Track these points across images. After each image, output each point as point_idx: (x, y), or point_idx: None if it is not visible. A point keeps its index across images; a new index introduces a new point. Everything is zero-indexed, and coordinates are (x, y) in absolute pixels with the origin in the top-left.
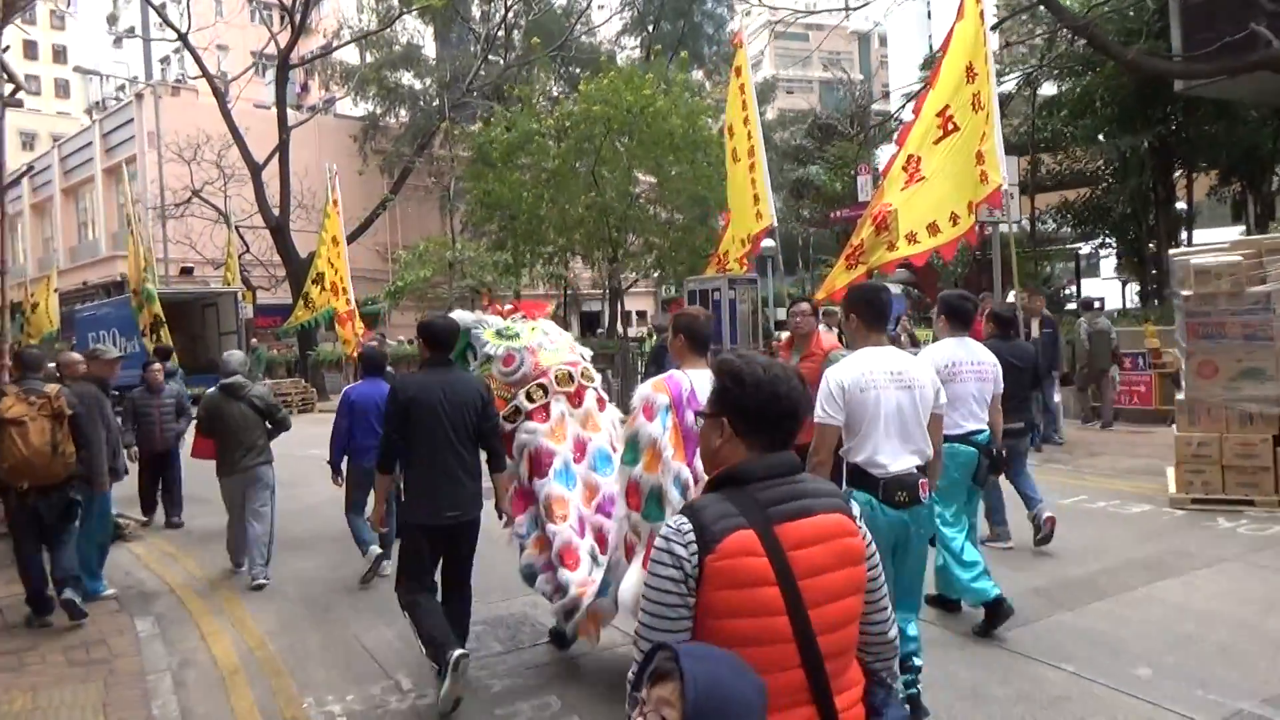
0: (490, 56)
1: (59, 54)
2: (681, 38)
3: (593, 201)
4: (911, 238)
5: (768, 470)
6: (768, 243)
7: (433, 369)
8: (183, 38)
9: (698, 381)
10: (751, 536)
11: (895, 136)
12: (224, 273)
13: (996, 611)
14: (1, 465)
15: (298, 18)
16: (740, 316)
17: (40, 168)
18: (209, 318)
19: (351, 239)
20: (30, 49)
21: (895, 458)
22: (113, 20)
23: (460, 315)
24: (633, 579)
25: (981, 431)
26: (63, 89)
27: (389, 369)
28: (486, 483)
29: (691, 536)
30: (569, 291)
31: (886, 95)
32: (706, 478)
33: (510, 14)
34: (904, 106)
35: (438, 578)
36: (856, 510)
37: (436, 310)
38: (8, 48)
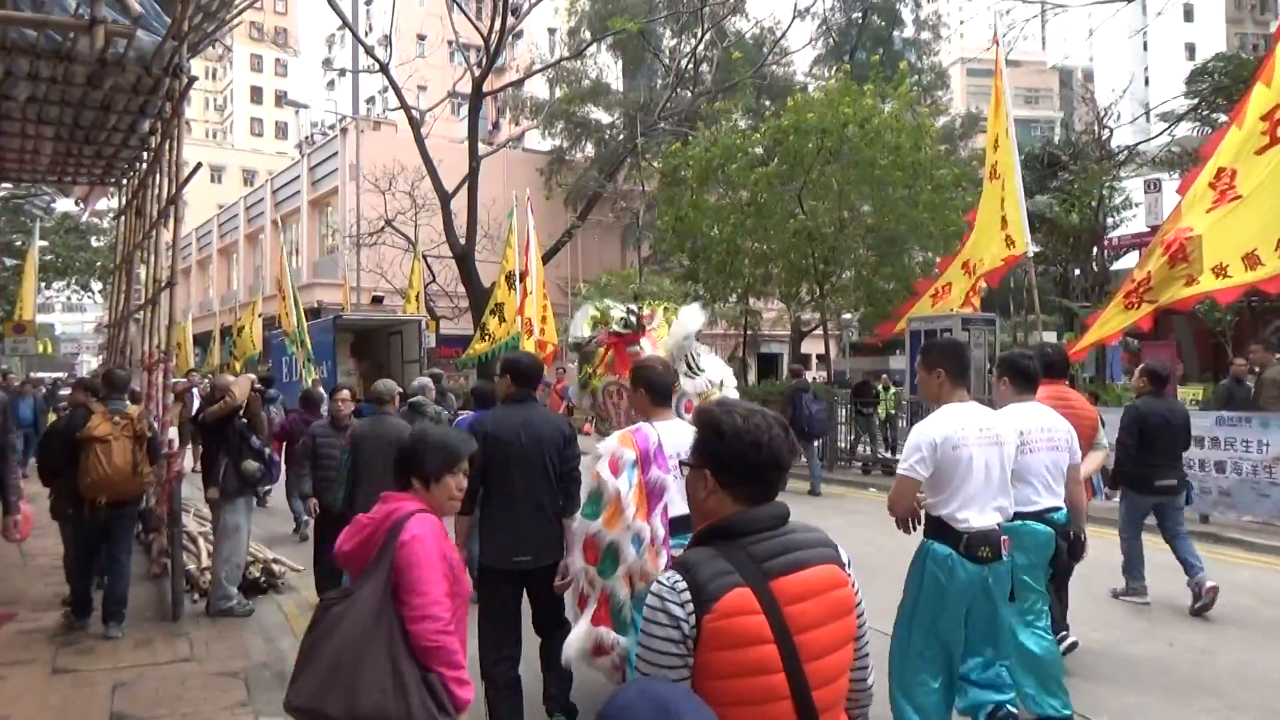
0: (679, 90)
1: (280, 98)
2: (881, 66)
3: (801, 227)
4: (1221, 270)
5: (759, 523)
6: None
7: (513, 405)
8: (384, 67)
9: (665, 433)
10: (748, 594)
11: (1198, 149)
12: (404, 304)
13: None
14: (83, 480)
15: (493, 44)
16: (975, 362)
17: (254, 200)
18: (393, 345)
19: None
20: (256, 94)
21: (980, 514)
22: (327, 64)
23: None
24: (579, 631)
25: (1059, 509)
26: (281, 130)
27: None
28: None
29: (688, 595)
30: (749, 331)
31: (1095, 134)
32: (690, 530)
33: (701, 46)
34: (1169, 128)
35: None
36: (846, 557)
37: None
38: (194, 79)
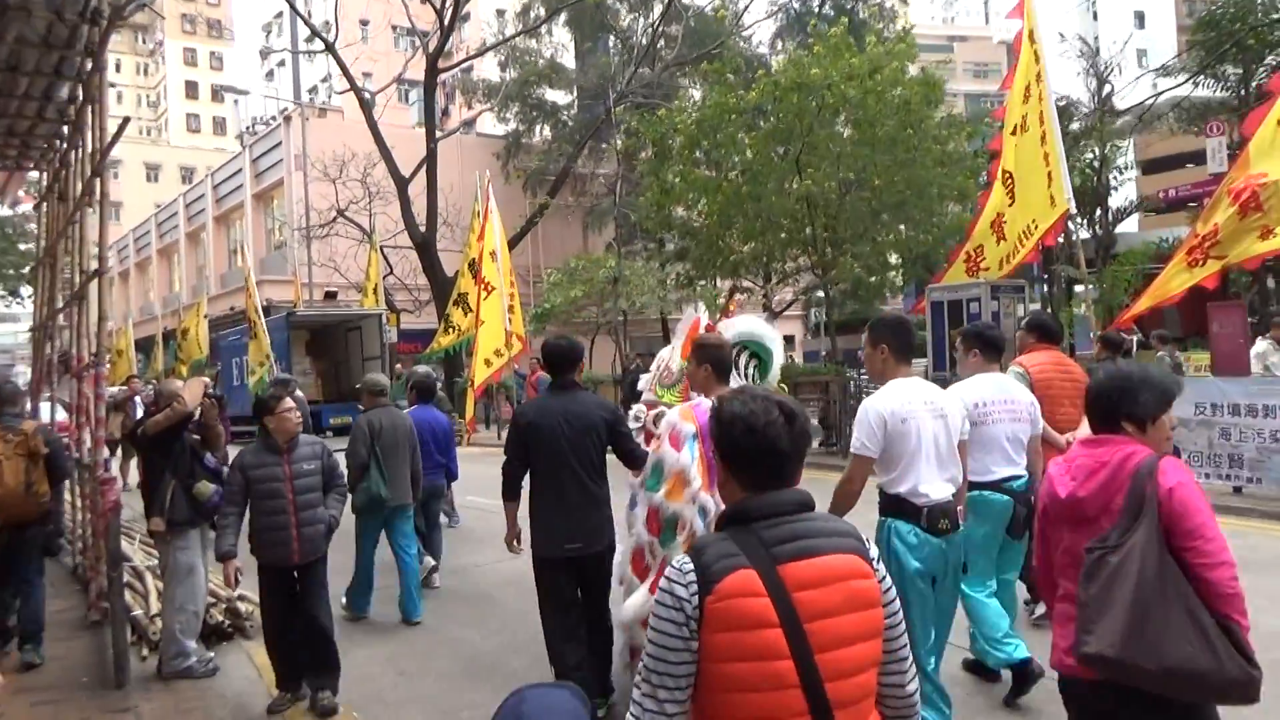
0: (640, 67)
1: (217, 94)
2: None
3: (806, 192)
4: None
5: (772, 508)
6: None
7: (554, 392)
8: (330, 47)
9: None
10: (752, 576)
11: (1266, 83)
12: (361, 298)
13: (1024, 675)
14: None
15: (447, 17)
16: (1004, 329)
17: (194, 197)
18: (352, 342)
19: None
20: (191, 89)
21: (935, 486)
22: (265, 54)
23: (760, 328)
24: (638, 599)
25: (1018, 477)
26: (220, 126)
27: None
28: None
29: (693, 577)
30: (718, 315)
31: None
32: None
33: (659, 22)
34: (1191, 78)
35: None
36: (874, 552)
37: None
38: (120, 20)
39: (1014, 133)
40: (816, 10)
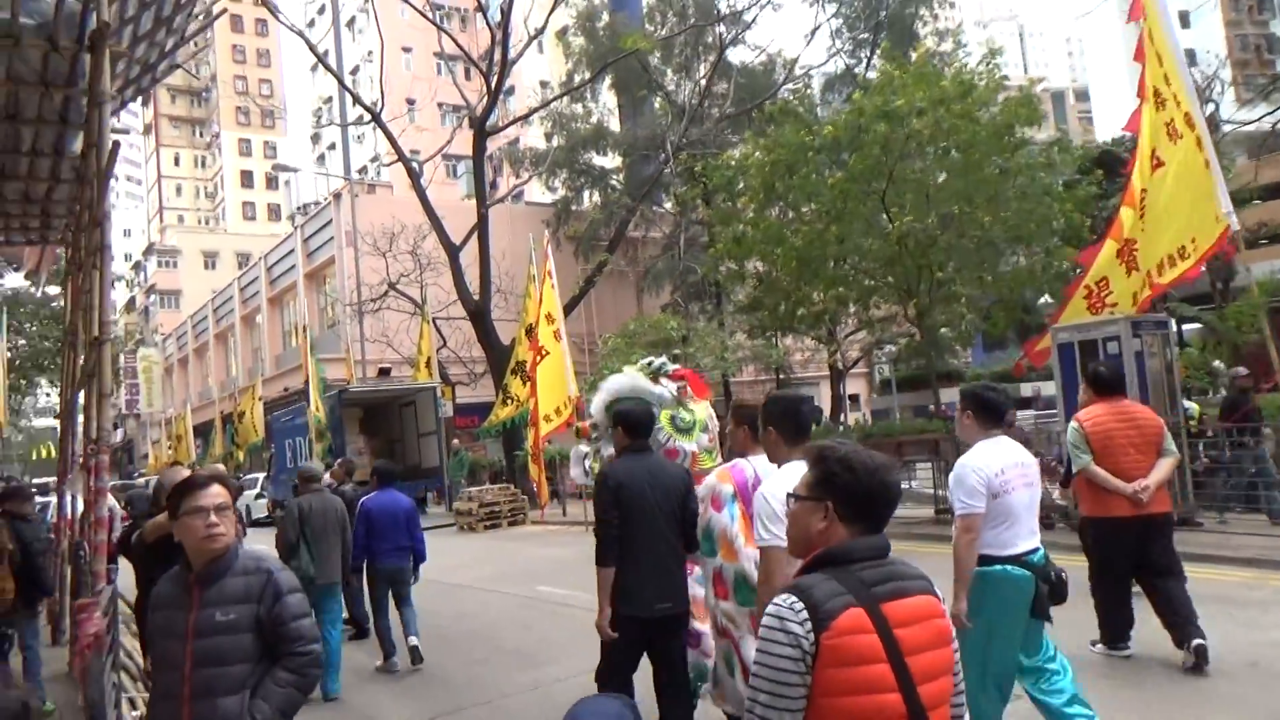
0: (690, 125)
1: (271, 181)
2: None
3: (907, 230)
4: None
5: (868, 551)
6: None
7: (634, 455)
8: (376, 118)
9: (760, 468)
10: (862, 614)
11: None
12: (414, 372)
13: None
14: None
15: (494, 80)
16: (1150, 372)
17: (248, 280)
18: (406, 418)
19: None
20: (246, 178)
21: None
22: (315, 137)
23: (638, 383)
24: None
25: (1037, 550)
26: (274, 213)
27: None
28: None
29: (805, 615)
30: (781, 375)
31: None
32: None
33: (705, 81)
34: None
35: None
36: (941, 594)
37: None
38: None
39: (1172, 139)
40: (865, 61)
